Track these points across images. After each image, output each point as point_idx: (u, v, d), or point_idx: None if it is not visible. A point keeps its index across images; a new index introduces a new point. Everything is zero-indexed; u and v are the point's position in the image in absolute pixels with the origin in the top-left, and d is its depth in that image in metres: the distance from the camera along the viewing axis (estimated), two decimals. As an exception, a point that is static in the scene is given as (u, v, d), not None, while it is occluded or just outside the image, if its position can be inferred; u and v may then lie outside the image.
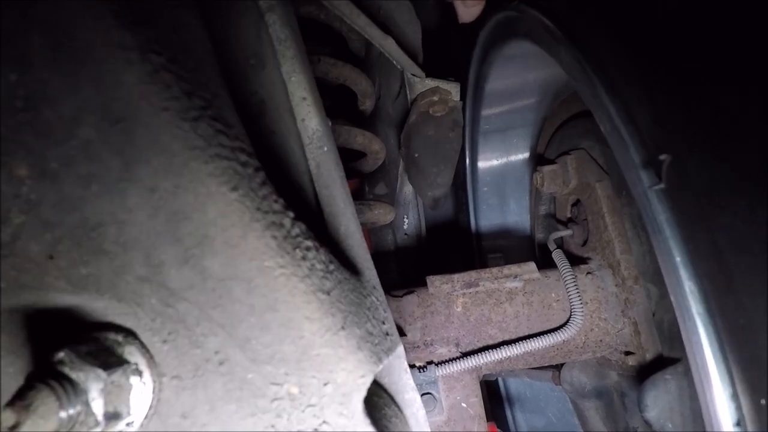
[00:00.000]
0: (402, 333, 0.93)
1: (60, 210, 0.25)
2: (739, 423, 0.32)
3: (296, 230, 0.30)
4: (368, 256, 0.46)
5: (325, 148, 0.47)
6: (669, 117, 0.35)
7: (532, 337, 0.89)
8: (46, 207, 0.25)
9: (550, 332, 0.89)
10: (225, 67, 0.56)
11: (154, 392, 0.31)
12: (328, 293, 0.30)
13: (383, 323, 0.37)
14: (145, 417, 0.31)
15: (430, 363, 0.89)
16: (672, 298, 0.39)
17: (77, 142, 0.23)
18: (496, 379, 1.51)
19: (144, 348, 0.32)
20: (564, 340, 0.89)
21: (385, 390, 0.44)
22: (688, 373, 0.69)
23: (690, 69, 0.33)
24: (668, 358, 0.77)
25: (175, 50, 0.27)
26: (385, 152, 0.92)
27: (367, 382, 0.31)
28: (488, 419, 0.98)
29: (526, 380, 1.42)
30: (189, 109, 0.26)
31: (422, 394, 0.87)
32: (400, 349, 0.45)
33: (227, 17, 0.53)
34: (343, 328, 0.30)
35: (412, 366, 0.90)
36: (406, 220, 1.69)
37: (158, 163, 0.25)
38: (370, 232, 1.62)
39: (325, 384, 0.29)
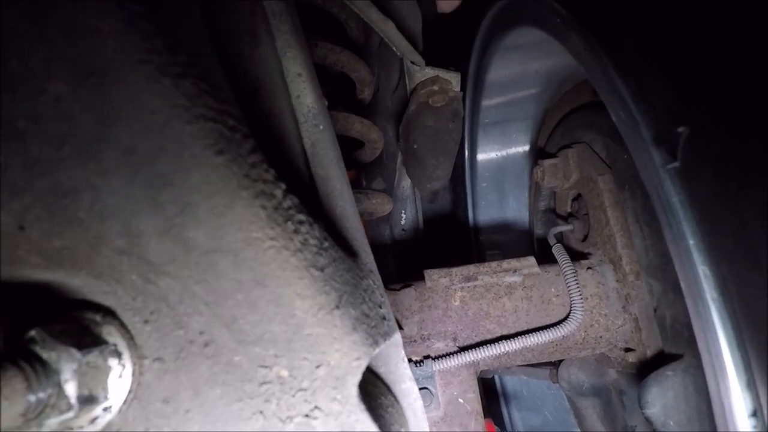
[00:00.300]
0: (399, 327, 0.91)
1: (29, 174, 0.23)
2: (755, 413, 0.30)
3: (288, 202, 0.28)
4: (365, 240, 0.44)
5: (321, 127, 0.45)
6: (688, 90, 0.33)
7: (531, 332, 0.87)
8: (13, 171, 0.23)
9: (549, 327, 0.87)
10: (219, 44, 0.54)
11: (134, 375, 0.29)
12: (322, 270, 0.28)
13: (380, 307, 0.35)
14: (124, 402, 0.29)
15: (427, 357, 0.87)
16: (683, 285, 0.37)
17: (47, 97, 0.21)
18: (493, 377, 1.49)
19: (124, 328, 0.30)
20: (563, 336, 0.87)
21: (381, 379, 0.42)
22: (690, 369, 0.67)
23: (706, 41, 0.31)
24: (670, 355, 0.76)
25: (157, 2, 0.24)
26: (383, 143, 0.90)
27: (363, 365, 0.29)
28: (485, 416, 0.96)
29: (523, 378, 1.40)
30: (171, 64, 0.23)
31: (419, 389, 0.85)
32: (398, 338, 0.43)
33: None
34: (337, 307, 0.28)
35: (408, 360, 0.88)
36: (403, 215, 1.67)
37: (136, 122, 0.22)
38: (367, 226, 1.60)
39: (318, 366, 0.27)
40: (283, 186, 0.29)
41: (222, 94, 0.27)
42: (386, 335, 0.34)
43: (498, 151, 1.38)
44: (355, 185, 1.48)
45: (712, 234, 0.33)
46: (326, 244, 0.30)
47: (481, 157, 1.37)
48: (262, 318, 0.26)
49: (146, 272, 0.26)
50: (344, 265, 0.32)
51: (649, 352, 0.81)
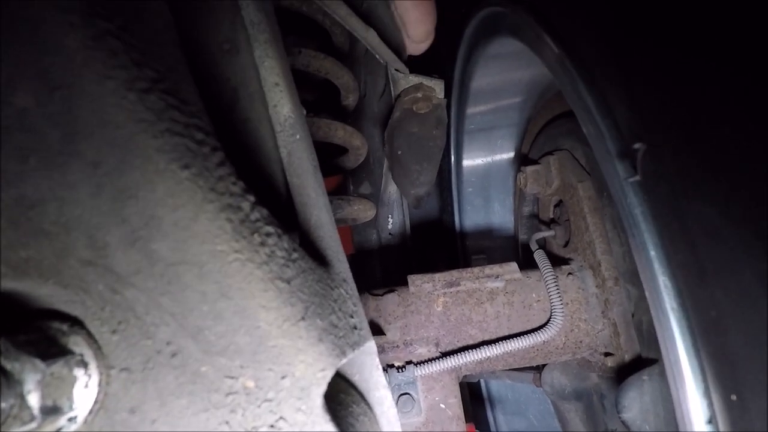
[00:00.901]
0: (381, 332, 0.91)
1: (-5, 186, 0.23)
2: (710, 421, 0.31)
3: (256, 215, 0.29)
4: (340, 249, 0.44)
5: (298, 136, 0.45)
6: (645, 106, 0.34)
7: (513, 338, 0.88)
8: (-21, 182, 0.23)
9: (530, 333, 0.88)
10: (198, 52, 0.54)
11: (100, 385, 0.29)
12: (288, 282, 0.28)
13: (351, 317, 0.36)
14: (90, 412, 0.29)
15: (409, 363, 0.88)
16: (647, 294, 0.38)
17: (12, 110, 0.22)
18: (478, 381, 1.50)
19: (91, 338, 0.30)
20: (544, 341, 0.88)
21: (355, 387, 0.43)
22: (665, 373, 0.68)
23: (666, 58, 0.32)
24: (646, 359, 0.77)
25: (127, 18, 0.25)
26: (367, 148, 0.91)
27: (328, 376, 0.29)
28: (467, 420, 0.97)
29: (507, 382, 1.42)
30: (137, 79, 0.24)
31: (400, 395, 0.86)
32: (371, 346, 0.44)
33: (199, 1, 0.51)
34: (303, 318, 0.28)
35: (390, 366, 0.88)
36: (390, 220, 1.68)
37: (102, 137, 0.23)
38: (353, 231, 1.61)
39: (283, 377, 0.27)
40: (252, 198, 0.29)
41: (191, 108, 0.27)
42: (356, 345, 0.34)
43: (483, 158, 1.39)
44: (342, 190, 1.48)
45: (670, 246, 0.34)
46: (295, 255, 0.31)
47: (466, 163, 1.39)
48: (227, 329, 0.26)
49: (113, 283, 0.26)
50: (314, 276, 0.32)
51: (627, 357, 0.82)
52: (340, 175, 1.42)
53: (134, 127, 0.23)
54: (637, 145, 0.34)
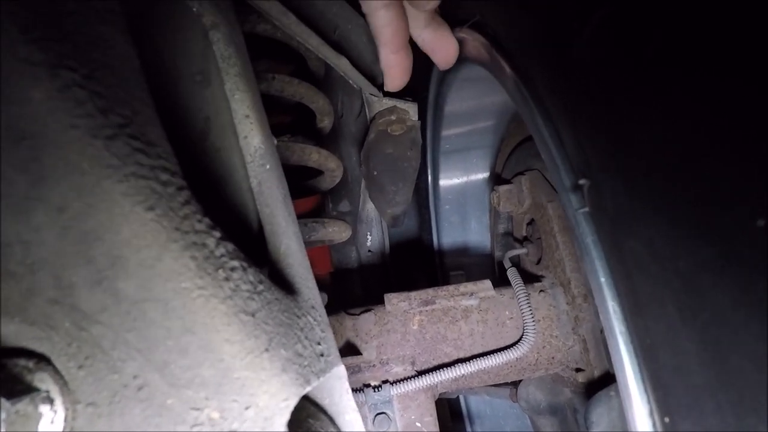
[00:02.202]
0: (358, 352, 0.92)
1: (-39, 229, 0.24)
2: (655, 440, 0.33)
3: (221, 250, 0.30)
4: (310, 276, 0.45)
5: (267, 166, 0.47)
6: (588, 143, 0.37)
7: (486, 355, 0.90)
8: (-54, 226, 0.24)
9: (503, 350, 0.90)
10: (172, 83, 0.55)
11: (66, 421, 0.30)
12: (252, 315, 0.29)
13: (318, 344, 0.37)
14: (56, 447, 0.30)
15: (385, 382, 0.88)
16: (601, 317, 0.40)
17: (-20, 159, 0.23)
18: (457, 397, 1.51)
19: (57, 374, 0.30)
20: (517, 358, 0.90)
21: (325, 411, 0.44)
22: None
23: (603, 97, 0.35)
24: (614, 375, 0.79)
25: (93, 67, 0.26)
26: (342, 170, 0.92)
27: (291, 405, 0.30)
28: (444, 438, 0.98)
29: (486, 398, 1.43)
30: (103, 126, 0.25)
31: (377, 414, 0.86)
32: (341, 370, 0.45)
33: (173, 34, 0.52)
34: (267, 350, 0.29)
35: (367, 385, 0.89)
36: (369, 237, 1.69)
37: (67, 183, 0.24)
38: (333, 249, 1.61)
39: (247, 408, 0.28)
40: (218, 234, 0.30)
41: (156, 150, 0.28)
42: (322, 372, 0.35)
43: (459, 177, 1.42)
44: (321, 207, 1.49)
45: (616, 273, 0.36)
46: (261, 287, 0.32)
47: (443, 182, 1.41)
48: (192, 363, 0.27)
49: (79, 320, 0.27)
50: (280, 306, 0.34)
51: (597, 373, 0.84)
52: (317, 196, 1.43)
53: (100, 172, 0.24)
54: (582, 181, 0.36)
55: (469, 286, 0.99)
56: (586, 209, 0.37)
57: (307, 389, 0.32)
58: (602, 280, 0.37)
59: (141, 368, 0.28)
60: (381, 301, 0.96)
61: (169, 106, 0.56)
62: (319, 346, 0.37)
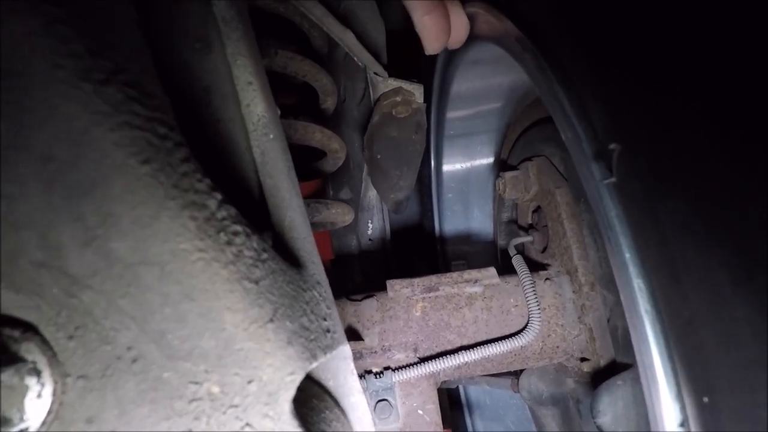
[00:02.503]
0: (360, 338, 0.90)
1: (-63, 180, 0.22)
2: (683, 424, 0.31)
3: (222, 213, 0.27)
4: (314, 251, 0.43)
5: (271, 136, 0.44)
6: (619, 110, 0.35)
7: (490, 343, 0.88)
8: None
9: (507, 338, 0.88)
10: (169, 52, 0.53)
11: (54, 394, 0.28)
12: (256, 282, 0.27)
13: (324, 320, 0.35)
14: (43, 423, 0.27)
15: (387, 369, 0.87)
16: (622, 298, 0.38)
17: (-44, 99, 0.20)
18: (457, 387, 1.50)
19: (46, 344, 0.28)
20: (521, 346, 0.88)
21: (329, 393, 0.42)
22: (638, 378, 0.69)
23: (640, 64, 0.33)
24: (621, 364, 0.78)
25: (81, 5, 0.24)
26: (346, 152, 0.90)
27: (297, 380, 0.28)
28: (446, 426, 0.96)
29: (486, 388, 1.41)
30: (92, 69, 0.23)
31: (378, 401, 0.85)
32: (346, 350, 0.43)
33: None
34: (271, 320, 0.27)
35: (368, 372, 0.87)
36: (370, 225, 1.67)
37: (53, 129, 0.21)
38: (333, 236, 1.59)
39: (249, 382, 0.26)
40: (219, 196, 0.28)
41: (153, 102, 0.26)
42: (329, 348, 0.33)
43: (463, 163, 1.39)
44: (321, 195, 1.47)
45: (644, 248, 0.34)
46: (265, 255, 0.30)
47: (446, 168, 1.39)
48: (191, 332, 0.25)
49: (68, 286, 0.25)
50: (285, 277, 0.31)
51: (603, 362, 0.83)
52: (319, 180, 1.41)
53: (89, 119, 0.22)
54: (612, 146, 0.34)
55: (474, 273, 0.97)
56: (613, 179, 0.35)
57: (314, 364, 0.30)
58: (627, 256, 0.35)
59: (136, 338, 0.26)
60: (382, 289, 0.95)
61: (167, 77, 0.53)
62: (325, 322, 0.35)
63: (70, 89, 0.21)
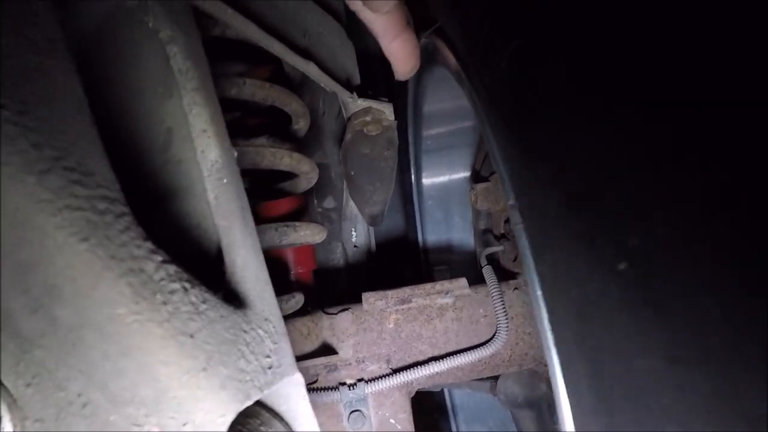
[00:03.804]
0: (334, 351, 0.94)
1: None
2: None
3: (161, 274, 0.31)
4: (266, 287, 0.47)
5: (225, 180, 0.48)
6: (521, 163, 0.38)
7: (460, 353, 0.92)
8: None
9: (476, 348, 0.92)
10: (136, 95, 0.56)
11: (15, 436, 0.31)
12: (191, 335, 0.31)
13: (267, 357, 0.38)
14: (5, 461, 0.31)
15: (360, 380, 0.90)
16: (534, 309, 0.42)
17: None
18: (442, 390, 1.54)
19: (6, 391, 0.32)
20: (490, 355, 0.92)
21: (281, 418, 0.45)
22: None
23: (522, 119, 0.36)
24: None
25: (27, 100, 0.27)
26: (317, 171, 0.93)
27: (228, 419, 0.32)
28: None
29: (468, 391, 1.45)
30: (36, 161, 0.26)
31: (351, 411, 0.88)
32: (297, 378, 0.46)
33: (133, 48, 0.53)
34: (204, 369, 0.31)
35: (342, 383, 0.91)
36: (354, 233, 1.70)
37: (4, 218, 0.25)
38: (319, 245, 1.63)
39: (184, 424, 0.29)
40: (158, 258, 0.31)
41: (96, 179, 0.29)
42: (268, 384, 0.37)
43: (442, 176, 1.43)
44: (305, 206, 1.49)
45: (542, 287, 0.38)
46: (203, 306, 0.33)
47: (426, 180, 1.43)
48: (130, 383, 0.29)
49: (22, 344, 0.28)
50: (225, 324, 0.35)
51: (566, 369, 0.87)
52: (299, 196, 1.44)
53: (32, 207, 0.25)
54: (511, 202, 0.38)
55: (446, 285, 1.01)
56: (521, 225, 0.39)
57: (247, 404, 0.34)
58: (538, 293, 0.39)
59: (84, 387, 0.30)
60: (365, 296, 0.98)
61: (133, 118, 0.57)
62: (268, 359, 0.38)
63: (17, 183, 0.25)
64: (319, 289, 1.42)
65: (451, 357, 0.90)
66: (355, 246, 1.70)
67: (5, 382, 0.31)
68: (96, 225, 0.28)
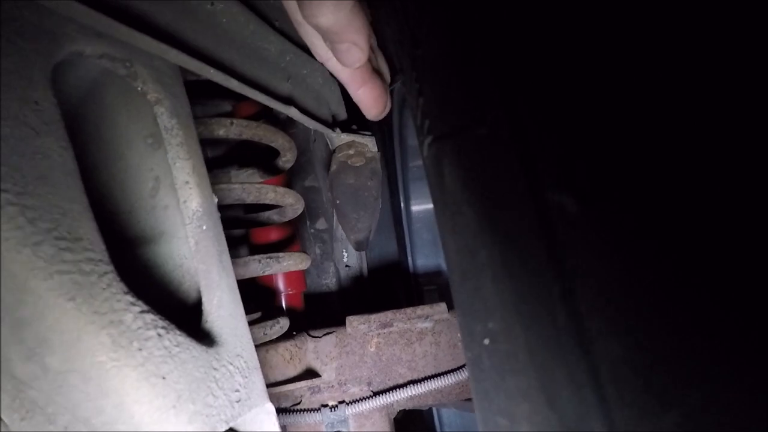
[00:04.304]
0: (317, 374, 0.98)
1: None
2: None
3: (138, 323, 0.36)
4: (240, 323, 0.52)
5: (204, 227, 0.53)
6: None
7: (438, 376, 0.96)
8: None
9: (454, 371, 0.96)
10: (128, 144, 0.62)
11: (11, 464, 0.36)
12: (163, 377, 0.36)
13: (236, 390, 0.43)
14: (1, 487, 0.36)
15: (342, 402, 0.95)
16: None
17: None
18: (430, 409, 1.57)
19: (4, 424, 0.37)
20: (466, 378, 0.96)
21: (253, 444, 0.50)
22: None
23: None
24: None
25: (26, 181, 0.32)
26: (303, 202, 0.99)
27: (195, 452, 0.37)
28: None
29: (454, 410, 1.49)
30: (31, 234, 0.31)
31: (333, 433, 0.93)
32: (269, 407, 0.51)
33: (125, 105, 0.59)
34: (174, 407, 0.36)
35: (324, 405, 0.95)
36: (345, 254, 1.76)
37: (4, 284, 0.30)
38: (310, 266, 1.67)
39: (157, 455, 0.34)
40: (137, 309, 0.37)
41: (82, 244, 0.35)
42: (234, 417, 0.42)
43: (430, 202, 1.49)
44: (298, 227, 1.54)
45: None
46: (176, 350, 0.38)
47: (415, 207, 1.48)
48: (109, 419, 0.34)
49: (17, 385, 0.34)
50: (196, 363, 0.40)
51: (538, 392, 0.91)
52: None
53: (28, 274, 0.31)
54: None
55: (426, 309, 1.05)
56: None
57: (214, 436, 0.39)
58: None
59: (70, 421, 0.35)
60: (358, 313, 1.02)
61: (125, 164, 0.62)
62: (236, 393, 0.43)
63: (15, 254, 0.30)
64: (311, 309, 1.47)
65: (429, 380, 0.94)
66: (347, 266, 1.75)
67: (3, 417, 0.37)
68: (81, 285, 0.33)
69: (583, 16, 0.26)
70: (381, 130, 1.27)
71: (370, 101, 0.77)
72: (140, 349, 0.35)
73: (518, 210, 0.26)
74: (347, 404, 0.93)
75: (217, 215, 0.57)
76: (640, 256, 0.21)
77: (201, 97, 1.09)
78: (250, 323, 0.85)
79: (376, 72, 0.78)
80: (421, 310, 1.04)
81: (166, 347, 0.37)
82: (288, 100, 0.76)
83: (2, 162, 0.32)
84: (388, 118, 1.18)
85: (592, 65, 0.25)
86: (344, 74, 0.73)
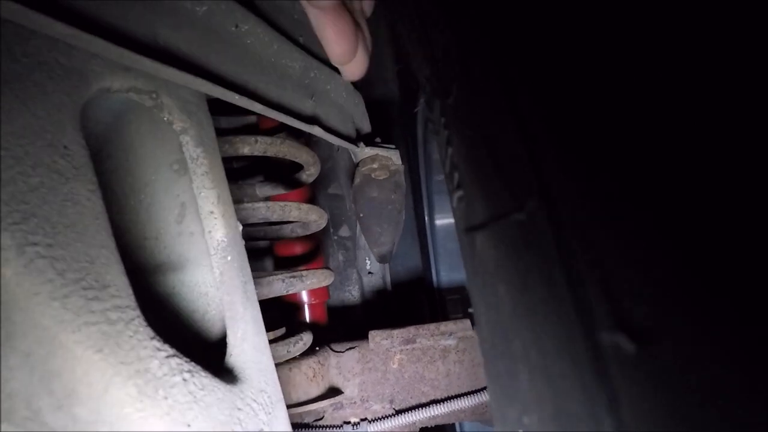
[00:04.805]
0: (340, 391, 0.98)
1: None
2: None
3: (164, 370, 0.36)
4: (264, 357, 0.52)
5: (229, 258, 0.53)
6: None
7: (461, 397, 0.95)
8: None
9: (477, 392, 0.95)
10: (156, 171, 0.62)
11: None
12: (188, 425, 0.36)
13: (264, 424, 0.43)
14: None
15: (364, 419, 0.94)
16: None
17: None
18: (453, 423, 1.56)
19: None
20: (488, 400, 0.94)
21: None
22: None
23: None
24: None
25: (55, 231, 0.33)
26: (326, 218, 0.99)
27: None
28: (424, 471, 1.03)
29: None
30: (60, 287, 0.32)
31: (355, 450, 0.92)
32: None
33: (152, 132, 0.60)
34: (198, 454, 0.36)
35: (346, 422, 0.95)
36: (368, 261, 1.75)
37: (32, 337, 0.31)
38: (336, 271, 1.68)
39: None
40: (163, 354, 0.37)
41: (109, 291, 0.35)
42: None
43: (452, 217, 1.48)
44: (323, 234, 1.55)
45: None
46: (201, 393, 0.38)
47: (438, 222, 1.48)
48: (136, 468, 0.34)
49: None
50: (221, 406, 0.40)
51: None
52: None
53: (57, 327, 0.31)
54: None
55: (450, 326, 1.04)
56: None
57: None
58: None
59: (99, 466, 0.35)
60: (381, 323, 1.02)
61: (152, 190, 0.63)
62: (263, 428, 0.43)
63: (44, 308, 0.31)
64: (333, 319, 1.48)
65: (452, 400, 0.93)
66: (369, 273, 1.74)
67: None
68: (108, 335, 0.33)
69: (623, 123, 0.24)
70: (405, 142, 1.26)
71: (333, 34, 0.66)
72: (166, 398, 0.35)
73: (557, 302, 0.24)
74: (369, 422, 0.93)
75: (241, 243, 0.57)
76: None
77: (226, 109, 1.10)
78: (273, 341, 0.86)
79: (349, 13, 0.66)
80: (444, 326, 1.03)
81: (191, 392, 0.37)
82: (312, 119, 0.75)
83: (33, 214, 0.32)
84: (412, 129, 1.17)
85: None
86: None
